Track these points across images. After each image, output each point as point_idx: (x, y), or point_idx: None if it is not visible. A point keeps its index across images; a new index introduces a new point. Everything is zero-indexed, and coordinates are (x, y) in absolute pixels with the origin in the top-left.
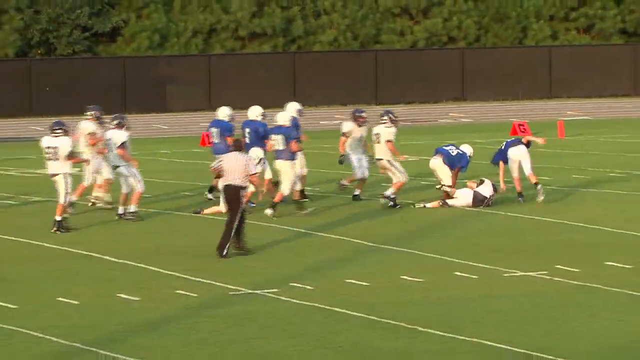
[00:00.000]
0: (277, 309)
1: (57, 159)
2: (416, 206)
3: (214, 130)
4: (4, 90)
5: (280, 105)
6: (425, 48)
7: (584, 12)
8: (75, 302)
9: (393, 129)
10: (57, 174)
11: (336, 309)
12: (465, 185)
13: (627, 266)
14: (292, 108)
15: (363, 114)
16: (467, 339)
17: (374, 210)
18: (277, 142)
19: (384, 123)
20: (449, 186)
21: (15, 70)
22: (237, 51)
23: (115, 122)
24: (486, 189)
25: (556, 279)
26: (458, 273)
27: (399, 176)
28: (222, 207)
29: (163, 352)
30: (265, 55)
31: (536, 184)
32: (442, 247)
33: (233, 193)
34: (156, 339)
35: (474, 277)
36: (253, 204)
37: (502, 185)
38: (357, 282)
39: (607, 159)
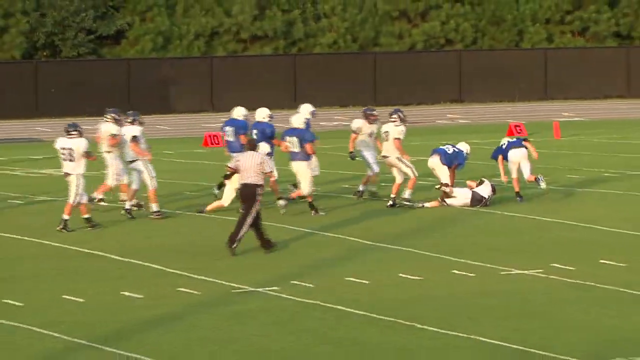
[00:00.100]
0: (278, 307)
1: (72, 160)
2: (415, 206)
3: (228, 129)
4: (10, 92)
5: (281, 106)
6: (423, 50)
7: (578, 16)
8: (80, 300)
9: (402, 128)
10: (71, 174)
11: (336, 306)
12: (465, 185)
13: (621, 264)
14: (306, 110)
15: (374, 112)
16: (464, 335)
17: (373, 209)
18: (292, 144)
19: (394, 121)
20: (446, 184)
21: (21, 72)
22: (239, 53)
23: (129, 119)
24: (485, 190)
25: (551, 277)
26: (455, 271)
27: (408, 173)
28: (224, 201)
29: (166, 348)
30: (266, 57)
31: (536, 179)
32: (440, 245)
33: (249, 191)
34: (159, 336)
35: (471, 275)
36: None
37: (503, 177)
38: (356, 279)
39: (601, 159)
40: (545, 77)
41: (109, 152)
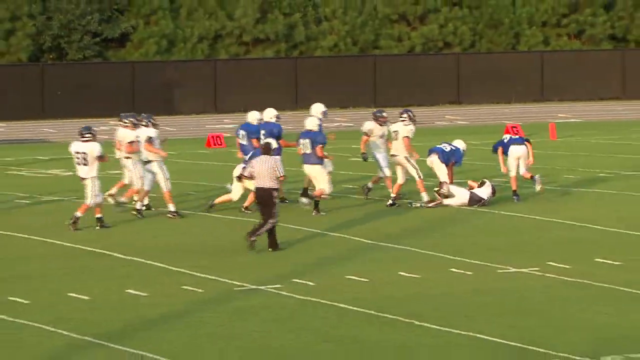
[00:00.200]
0: (280, 304)
1: (86, 164)
2: (413, 205)
3: (242, 132)
4: (17, 94)
5: (282, 108)
6: (422, 53)
7: (574, 19)
8: (86, 298)
9: (411, 127)
10: (86, 178)
11: (336, 304)
12: (466, 184)
13: (616, 263)
14: (317, 110)
15: (384, 114)
16: (462, 332)
17: (373, 209)
18: (304, 146)
19: (403, 121)
20: (444, 182)
21: (28, 74)
22: (242, 56)
23: (143, 122)
24: (484, 191)
25: (548, 275)
26: (454, 270)
27: (413, 174)
28: (234, 195)
29: (170, 345)
30: (268, 60)
31: (532, 177)
32: (438, 245)
33: (264, 195)
34: (164, 333)
35: (469, 273)
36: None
37: (503, 168)
38: (356, 278)
39: (597, 159)
40: (541, 79)
41: (128, 157)
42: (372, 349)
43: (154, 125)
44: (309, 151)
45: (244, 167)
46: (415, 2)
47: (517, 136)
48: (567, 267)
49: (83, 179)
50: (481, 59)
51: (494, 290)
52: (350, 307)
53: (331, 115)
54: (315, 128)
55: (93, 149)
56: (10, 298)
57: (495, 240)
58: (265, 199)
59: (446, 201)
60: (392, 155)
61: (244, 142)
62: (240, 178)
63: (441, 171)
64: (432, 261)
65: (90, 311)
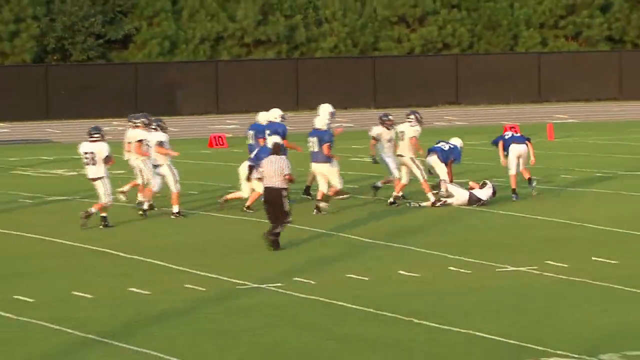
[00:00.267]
0: (281, 302)
1: (95, 164)
2: (411, 205)
3: (250, 132)
4: (22, 95)
5: (283, 109)
6: (421, 54)
7: (572, 20)
8: (90, 296)
9: (418, 128)
10: (96, 179)
11: (337, 302)
12: (467, 184)
13: (612, 261)
14: (325, 110)
15: (390, 118)
16: (461, 330)
17: (373, 208)
18: (312, 144)
19: (410, 122)
20: (444, 181)
21: (32, 75)
22: (243, 57)
23: (153, 125)
24: (484, 193)
25: (545, 273)
26: (452, 268)
27: (417, 175)
28: (243, 193)
29: (173, 343)
30: (269, 61)
31: (530, 180)
32: (437, 243)
33: (274, 195)
34: (166, 331)
35: (468, 271)
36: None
37: (502, 161)
38: (357, 276)
39: (594, 159)
40: (539, 80)
41: (140, 158)
42: (372, 345)
43: (163, 129)
44: (316, 149)
45: (250, 165)
46: (414, 5)
47: (519, 134)
48: (565, 265)
49: (92, 179)
50: (479, 60)
51: (492, 289)
52: (351, 305)
53: None
54: (324, 127)
55: (101, 149)
56: (15, 296)
57: (493, 239)
58: (274, 199)
59: (449, 200)
60: (399, 156)
61: (252, 142)
62: (249, 179)
63: (441, 170)
64: (431, 260)
65: (94, 309)
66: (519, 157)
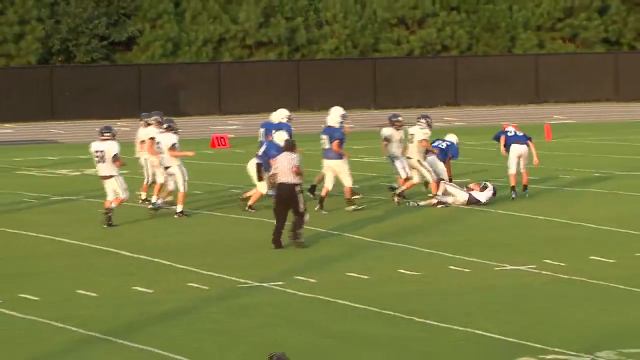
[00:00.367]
0: (283, 301)
1: (104, 162)
2: (410, 204)
3: (261, 130)
4: (27, 96)
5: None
6: (421, 56)
7: (569, 23)
8: (94, 294)
9: (427, 131)
10: (109, 177)
11: (338, 301)
12: (468, 185)
13: (609, 260)
14: (336, 113)
15: (399, 118)
16: (460, 328)
17: (373, 208)
18: (324, 141)
19: (420, 125)
20: (441, 179)
21: (37, 76)
22: (245, 59)
23: (164, 125)
24: (483, 195)
25: (544, 272)
26: (452, 267)
27: (427, 177)
28: (260, 189)
29: (176, 341)
30: (271, 62)
31: (525, 187)
32: (437, 242)
33: (288, 191)
34: (169, 329)
35: (467, 270)
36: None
37: (503, 152)
38: (357, 275)
39: (591, 160)
40: (537, 81)
41: (151, 157)
42: (373, 343)
43: (174, 130)
44: (327, 146)
45: (258, 164)
46: (414, 7)
47: (521, 134)
48: (563, 264)
49: (102, 177)
50: (478, 61)
51: (491, 288)
52: (352, 304)
53: None
54: (336, 124)
55: (110, 148)
56: (20, 295)
57: (492, 239)
58: (288, 194)
59: (450, 199)
60: (408, 158)
61: (262, 139)
62: (260, 178)
63: (439, 169)
64: (432, 259)
65: (98, 308)
66: (519, 157)
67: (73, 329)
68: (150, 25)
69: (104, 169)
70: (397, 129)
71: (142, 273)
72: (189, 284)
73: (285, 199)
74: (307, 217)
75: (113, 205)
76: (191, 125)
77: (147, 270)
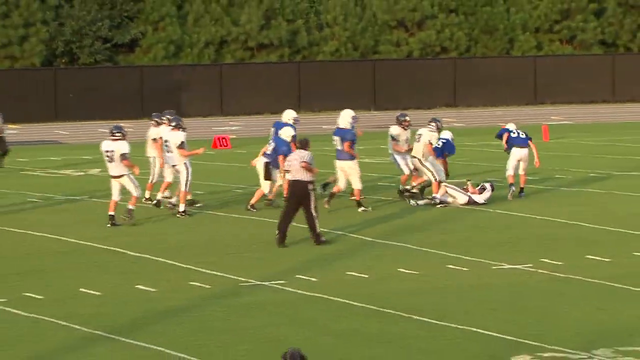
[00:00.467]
0: (284, 299)
1: (115, 162)
2: (410, 203)
3: (273, 129)
4: (31, 97)
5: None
6: (420, 58)
7: (566, 25)
8: (97, 293)
9: (435, 135)
10: (121, 176)
11: (338, 299)
12: (468, 186)
13: (605, 259)
14: (347, 115)
15: (407, 118)
16: (459, 326)
17: (374, 208)
18: (336, 142)
19: (430, 128)
20: (444, 184)
21: (41, 78)
22: (247, 61)
23: (172, 124)
24: (481, 197)
25: (541, 271)
26: (450, 266)
27: (429, 177)
28: (277, 183)
29: (178, 339)
30: (272, 64)
31: (522, 189)
32: (436, 242)
33: (300, 188)
34: (172, 327)
35: (465, 269)
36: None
37: (505, 148)
38: (357, 274)
39: (588, 160)
40: (534, 82)
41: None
42: (372, 340)
43: (182, 129)
44: (340, 147)
45: (266, 162)
46: (413, 9)
47: (523, 135)
48: (559, 263)
49: (113, 176)
50: (476, 63)
51: (489, 286)
52: (352, 302)
53: (332, 117)
54: (347, 126)
55: (120, 147)
56: (25, 293)
57: (490, 238)
58: (301, 191)
59: (449, 199)
60: (413, 157)
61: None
62: (266, 177)
63: (440, 170)
64: (430, 258)
65: (101, 306)
66: (519, 161)
67: (77, 327)
68: (153, 28)
69: (114, 168)
70: (405, 129)
71: (145, 272)
72: (192, 283)
73: (298, 195)
74: (317, 213)
75: (130, 206)
76: (193, 126)
77: (150, 269)
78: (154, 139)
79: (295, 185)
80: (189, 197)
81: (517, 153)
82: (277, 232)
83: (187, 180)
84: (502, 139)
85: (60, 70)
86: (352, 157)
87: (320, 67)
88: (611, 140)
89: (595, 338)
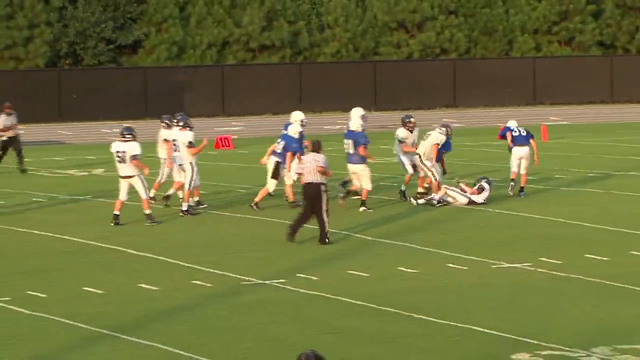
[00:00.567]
0: (285, 298)
1: (126, 162)
2: (411, 201)
3: (284, 130)
4: (35, 98)
5: (287, 111)
6: (420, 59)
7: (565, 26)
8: (100, 292)
9: (443, 138)
10: (132, 176)
11: (339, 298)
12: (468, 186)
13: (604, 258)
14: (357, 113)
15: (412, 119)
16: (458, 324)
17: (374, 208)
18: (348, 146)
19: (440, 131)
20: (444, 186)
21: (45, 79)
22: (248, 62)
23: (180, 123)
24: (481, 197)
25: (540, 270)
26: (450, 265)
27: (430, 175)
28: (287, 181)
29: (181, 337)
30: (273, 65)
31: (522, 188)
32: (436, 241)
33: (313, 190)
34: (175, 325)
35: (465, 268)
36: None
37: (509, 143)
38: (358, 273)
39: (587, 160)
40: (533, 83)
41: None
42: (373, 339)
43: (191, 129)
44: (352, 151)
45: (277, 161)
46: (413, 11)
47: (525, 134)
48: (558, 262)
49: (123, 177)
50: (476, 64)
51: (489, 285)
52: (352, 301)
53: (333, 118)
54: (358, 128)
55: (131, 148)
56: (28, 292)
57: (490, 238)
58: (314, 193)
59: (449, 199)
60: (416, 154)
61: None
62: (274, 176)
63: (440, 171)
64: (431, 257)
65: (104, 305)
66: (520, 159)
67: (80, 325)
68: (156, 29)
69: (125, 168)
70: (410, 131)
71: (148, 271)
72: (194, 282)
73: (311, 197)
74: (327, 216)
75: (147, 211)
76: (195, 126)
77: (152, 268)
78: (165, 140)
79: (308, 187)
80: (196, 198)
81: (518, 152)
82: (289, 228)
83: (191, 180)
84: (506, 138)
85: (65, 71)
86: (363, 160)
87: (321, 68)
88: (609, 140)
89: (594, 336)
